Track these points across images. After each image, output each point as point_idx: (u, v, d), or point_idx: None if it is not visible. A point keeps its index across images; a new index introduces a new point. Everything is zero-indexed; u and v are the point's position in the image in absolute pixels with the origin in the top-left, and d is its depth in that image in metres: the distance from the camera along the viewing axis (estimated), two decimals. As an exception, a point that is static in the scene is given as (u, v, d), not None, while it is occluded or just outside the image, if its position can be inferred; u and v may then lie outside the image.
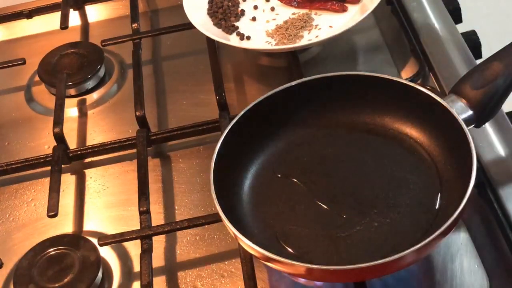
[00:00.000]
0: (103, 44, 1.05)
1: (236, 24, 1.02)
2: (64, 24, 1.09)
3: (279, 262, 0.67)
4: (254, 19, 1.03)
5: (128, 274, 0.81)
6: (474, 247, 0.77)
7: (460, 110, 0.75)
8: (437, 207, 0.73)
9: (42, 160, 0.92)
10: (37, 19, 1.16)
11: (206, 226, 0.81)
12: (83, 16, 1.17)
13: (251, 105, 0.79)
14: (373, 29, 1.04)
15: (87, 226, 0.87)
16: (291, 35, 0.97)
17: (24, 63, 1.05)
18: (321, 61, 1.01)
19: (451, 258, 0.76)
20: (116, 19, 1.16)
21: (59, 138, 0.92)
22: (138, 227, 0.81)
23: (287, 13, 1.02)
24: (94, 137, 0.97)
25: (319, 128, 0.82)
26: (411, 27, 1.00)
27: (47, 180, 0.88)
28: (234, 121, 0.78)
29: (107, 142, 0.93)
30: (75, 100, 1.03)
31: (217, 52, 1.00)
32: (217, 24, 1.02)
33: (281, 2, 1.04)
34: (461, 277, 0.74)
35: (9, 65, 1.06)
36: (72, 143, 0.95)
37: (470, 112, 0.75)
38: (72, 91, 1.03)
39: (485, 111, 0.76)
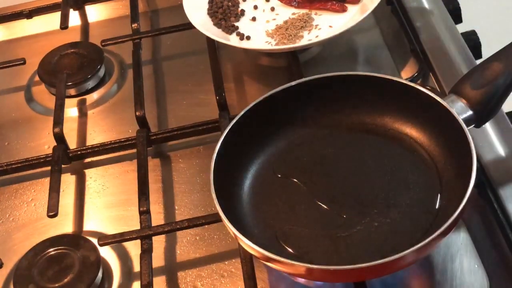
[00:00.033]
0: (103, 44, 1.05)
1: (236, 24, 1.02)
2: (64, 24, 1.09)
3: (279, 262, 0.67)
4: (254, 19, 1.03)
5: (128, 274, 0.81)
6: (474, 247, 0.77)
7: (460, 110, 0.75)
8: (437, 207, 0.73)
9: (42, 160, 0.92)
10: (37, 19, 1.16)
11: (206, 226, 0.81)
12: (83, 16, 1.17)
13: (251, 105, 0.79)
14: (373, 29, 1.04)
15: (87, 226, 0.87)
16: (291, 35, 0.97)
17: (24, 63, 1.05)
18: (321, 61, 1.01)
19: (451, 258, 0.76)
20: (116, 19, 1.16)
21: (59, 138, 0.92)
22: (138, 227, 0.81)
23: (287, 13, 1.02)
24: (94, 137, 0.97)
25: (319, 128, 0.82)
26: (411, 27, 1.00)
27: (47, 180, 0.88)
28: (234, 121, 0.78)
29: (107, 142, 0.93)
30: (75, 100, 1.03)
31: (217, 52, 1.00)
32: (217, 24, 1.02)
33: (281, 2, 1.04)
34: (461, 277, 0.74)
35: (9, 65, 1.06)
36: (72, 143, 0.95)
37: (470, 112, 0.75)
38: (72, 91, 1.03)
39: (485, 111, 0.76)
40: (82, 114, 1.01)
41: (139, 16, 1.09)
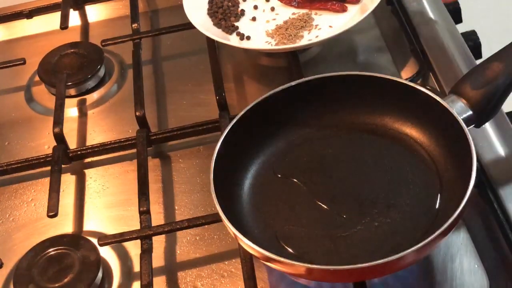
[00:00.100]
0: (103, 44, 1.05)
1: (236, 24, 1.02)
2: (64, 24, 1.09)
3: (279, 262, 0.67)
4: (254, 19, 1.03)
5: (128, 274, 0.81)
6: (474, 247, 0.77)
7: (460, 110, 0.75)
8: (437, 207, 0.73)
9: (42, 160, 0.92)
10: (37, 19, 1.16)
11: (206, 226, 0.81)
12: (83, 16, 1.17)
13: (251, 105, 0.79)
14: (373, 29, 1.04)
15: (87, 226, 0.87)
16: (291, 35, 0.97)
17: (24, 63, 1.05)
18: (321, 61, 1.01)
19: (451, 258, 0.76)
20: (116, 19, 1.16)
21: (59, 138, 0.92)
22: (138, 227, 0.81)
23: (287, 13, 1.02)
24: (94, 137, 0.97)
25: (319, 128, 0.82)
26: (411, 27, 1.00)
27: (47, 180, 0.88)
28: (234, 121, 0.78)
29: (107, 142, 0.93)
30: (75, 100, 1.03)
31: (217, 52, 1.00)
32: (217, 24, 1.02)
33: (281, 2, 1.04)
34: (461, 277, 0.74)
35: (9, 65, 1.06)
36: (72, 143, 0.95)
37: (470, 112, 0.75)
38: (72, 91, 1.03)
39: (485, 111, 0.76)
40: (82, 114, 1.01)
41: (139, 16, 1.09)
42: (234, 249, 0.80)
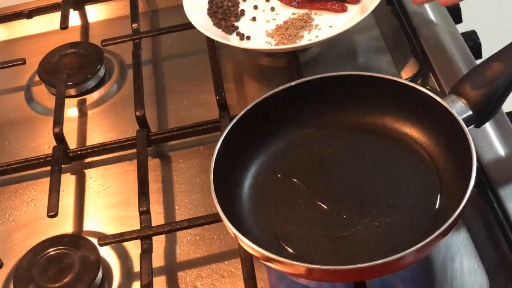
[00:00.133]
0: (103, 44, 1.05)
1: (236, 24, 1.02)
2: (64, 24, 1.09)
3: (279, 262, 0.67)
4: (254, 19, 1.03)
5: (128, 274, 0.81)
6: (474, 247, 0.77)
7: (460, 110, 0.75)
8: (437, 207, 0.73)
9: (42, 160, 0.92)
10: (37, 19, 1.16)
11: (206, 226, 0.81)
12: (83, 16, 1.17)
13: (251, 105, 0.79)
14: (373, 29, 1.04)
15: (87, 226, 0.87)
16: (291, 35, 0.97)
17: (24, 63, 1.06)
18: (321, 61, 1.01)
19: (451, 258, 0.76)
20: (116, 19, 1.16)
21: (59, 138, 0.92)
22: (138, 227, 0.81)
23: (287, 13, 1.02)
24: (94, 137, 0.97)
25: (319, 128, 0.82)
26: (411, 27, 1.00)
27: (47, 180, 0.88)
28: (234, 121, 0.78)
29: (107, 142, 0.93)
30: (75, 100, 1.03)
31: (217, 52, 1.00)
32: (217, 24, 1.01)
33: (281, 2, 1.04)
34: (461, 277, 0.74)
35: (9, 65, 1.06)
36: (72, 143, 0.95)
37: (470, 112, 0.75)
38: (72, 91, 1.03)
39: (485, 111, 0.76)
40: (82, 114, 1.01)
41: (139, 16, 1.09)
42: (234, 249, 0.80)
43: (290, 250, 0.72)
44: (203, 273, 0.80)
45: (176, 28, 1.05)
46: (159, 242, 0.82)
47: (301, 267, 0.66)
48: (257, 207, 0.77)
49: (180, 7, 1.01)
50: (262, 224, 0.75)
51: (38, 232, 0.87)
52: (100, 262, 0.79)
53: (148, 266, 0.77)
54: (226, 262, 0.80)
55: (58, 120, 0.93)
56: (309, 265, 0.66)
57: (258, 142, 0.81)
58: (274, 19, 1.02)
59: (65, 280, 0.78)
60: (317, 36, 0.97)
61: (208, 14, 1.03)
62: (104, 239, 0.80)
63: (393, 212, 0.73)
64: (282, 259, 0.66)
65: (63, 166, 0.91)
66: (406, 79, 0.92)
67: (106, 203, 0.89)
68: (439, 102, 0.75)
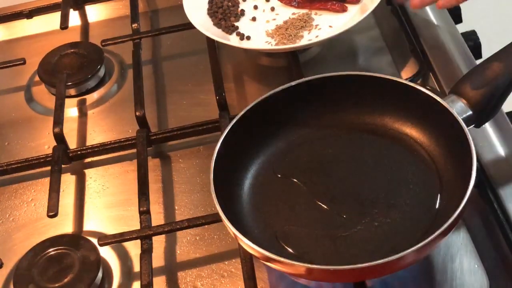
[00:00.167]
0: (103, 44, 1.05)
1: (236, 24, 1.02)
2: (64, 24, 1.09)
3: (279, 262, 0.67)
4: (254, 19, 1.03)
5: (128, 274, 0.81)
6: (474, 247, 0.77)
7: (460, 110, 0.75)
8: (437, 207, 0.73)
9: (42, 160, 0.92)
10: (37, 19, 1.16)
11: (206, 226, 0.81)
12: (83, 16, 1.17)
13: (251, 105, 0.79)
14: (373, 29, 1.04)
15: (87, 226, 0.87)
16: (291, 35, 0.97)
17: (24, 63, 1.06)
18: (321, 61, 1.01)
19: (451, 258, 0.76)
20: (116, 19, 1.16)
21: (59, 138, 0.92)
22: (138, 227, 0.81)
23: (287, 13, 1.02)
24: (94, 137, 0.97)
25: (319, 128, 0.82)
26: (411, 27, 1.00)
27: (47, 180, 0.88)
28: (234, 121, 0.78)
29: (107, 142, 0.93)
30: (75, 100, 1.03)
31: (217, 52, 1.00)
32: (217, 24, 1.02)
33: (281, 2, 1.04)
34: (461, 277, 0.74)
35: (9, 65, 1.06)
36: (72, 143, 0.95)
37: (470, 112, 0.75)
38: (72, 91, 1.03)
39: (485, 111, 0.76)
40: (82, 114, 1.01)
41: (139, 16, 1.09)
42: (234, 249, 0.80)
43: (290, 250, 0.72)
44: (203, 273, 0.80)
45: (176, 28, 1.05)
46: (159, 242, 0.82)
47: (301, 267, 0.66)
48: (257, 207, 0.77)
49: (180, 7, 1.01)
50: (262, 224, 0.75)
51: (38, 232, 0.87)
52: (100, 262, 0.79)
53: (148, 266, 0.77)
54: (226, 262, 0.80)
55: (58, 120, 0.93)
56: (309, 265, 0.66)
57: (258, 142, 0.81)
58: (274, 19, 1.02)
59: (65, 280, 0.78)
60: (317, 36, 0.97)
61: (208, 14, 1.03)
62: (104, 239, 0.80)
63: (393, 212, 0.73)
64: (282, 259, 0.66)
65: (63, 166, 0.91)
66: (406, 79, 0.92)
67: (106, 203, 0.89)
68: (439, 102, 0.75)
